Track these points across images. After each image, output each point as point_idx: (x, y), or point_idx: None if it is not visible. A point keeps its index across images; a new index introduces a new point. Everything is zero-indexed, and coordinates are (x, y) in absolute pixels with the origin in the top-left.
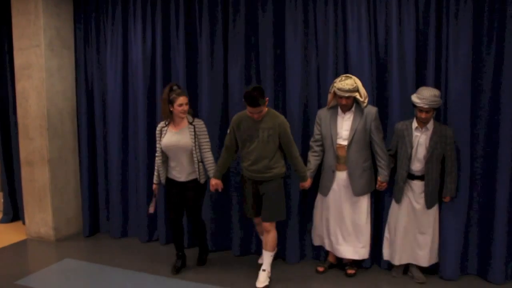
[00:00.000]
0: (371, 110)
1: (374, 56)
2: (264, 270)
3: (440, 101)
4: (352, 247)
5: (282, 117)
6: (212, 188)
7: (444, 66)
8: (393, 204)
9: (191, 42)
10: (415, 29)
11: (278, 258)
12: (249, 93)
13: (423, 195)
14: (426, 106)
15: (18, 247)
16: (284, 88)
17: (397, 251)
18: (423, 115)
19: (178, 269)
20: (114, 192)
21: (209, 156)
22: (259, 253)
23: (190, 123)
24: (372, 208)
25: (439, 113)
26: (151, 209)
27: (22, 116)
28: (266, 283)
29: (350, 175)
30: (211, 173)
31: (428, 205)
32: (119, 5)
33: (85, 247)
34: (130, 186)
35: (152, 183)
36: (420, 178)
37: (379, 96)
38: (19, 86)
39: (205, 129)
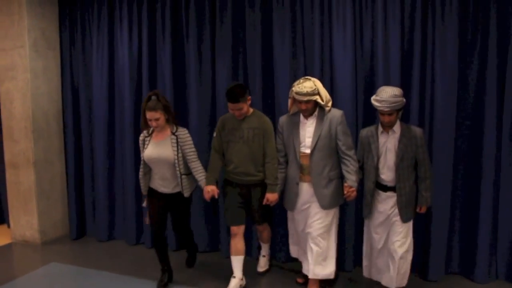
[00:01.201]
0: (336, 114)
1: (360, 59)
2: (264, 256)
3: (402, 101)
4: (318, 266)
5: (267, 118)
6: (207, 196)
7: (430, 68)
8: (365, 221)
9: (177, 44)
10: (400, 30)
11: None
12: (230, 89)
13: (396, 207)
14: (387, 109)
15: (3, 251)
16: (273, 90)
17: (373, 268)
18: (386, 119)
19: (165, 285)
20: (100, 195)
21: (197, 166)
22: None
23: (173, 133)
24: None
25: (422, 115)
26: (147, 221)
27: (6, 118)
28: (267, 267)
29: (314, 186)
30: (202, 182)
31: (404, 219)
32: (105, 6)
33: (71, 251)
34: (116, 189)
35: (139, 188)
36: (393, 189)
37: (366, 101)
38: (3, 87)
39: (189, 138)
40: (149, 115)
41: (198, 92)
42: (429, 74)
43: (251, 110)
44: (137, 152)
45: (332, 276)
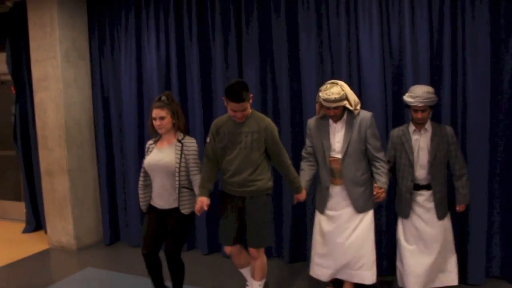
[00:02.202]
0: (365, 116)
1: (388, 61)
2: None
3: (435, 98)
4: (356, 270)
5: (268, 119)
6: (197, 207)
7: (461, 65)
8: (399, 221)
9: (204, 48)
10: (429, 31)
11: None
12: (231, 86)
13: (432, 205)
14: (421, 105)
15: (41, 257)
16: (300, 93)
17: (410, 276)
18: (419, 115)
19: None
20: (132, 201)
21: (197, 179)
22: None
23: (179, 141)
24: (384, 224)
25: (455, 115)
26: None
27: (41, 127)
28: None
29: (348, 191)
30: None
31: (440, 216)
32: (132, 13)
33: (106, 256)
34: None
35: None
36: (426, 187)
37: (394, 101)
38: (37, 97)
39: (195, 148)
40: (155, 112)
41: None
42: (460, 72)
43: (249, 111)
44: None
45: (372, 282)
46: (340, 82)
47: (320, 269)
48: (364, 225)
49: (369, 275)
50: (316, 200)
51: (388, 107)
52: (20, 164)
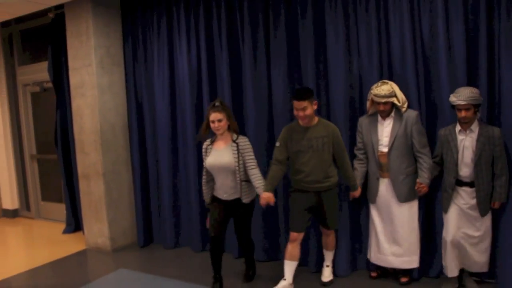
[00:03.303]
0: (411, 114)
1: (421, 59)
2: (328, 266)
3: (479, 98)
4: (399, 255)
5: (333, 125)
6: (263, 202)
7: (497, 65)
8: (444, 214)
9: (234, 53)
10: (464, 27)
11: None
12: (297, 89)
13: (474, 201)
14: (463, 102)
15: (78, 257)
16: (327, 95)
17: (448, 262)
18: (462, 114)
19: (250, 277)
20: (166, 203)
21: (256, 173)
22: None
23: (234, 141)
24: (421, 215)
25: (492, 115)
26: (208, 224)
27: (78, 132)
28: (331, 277)
29: (392, 182)
30: (260, 189)
31: (482, 212)
32: (164, 19)
33: (139, 257)
34: (181, 197)
35: (202, 196)
36: (469, 184)
37: (427, 100)
38: (74, 104)
39: (249, 146)
40: (213, 116)
41: (255, 98)
42: (497, 72)
43: (316, 119)
44: (199, 161)
45: (414, 265)
46: (390, 82)
47: (376, 254)
48: (407, 214)
49: (411, 261)
50: (367, 192)
51: (421, 107)
52: (60, 168)
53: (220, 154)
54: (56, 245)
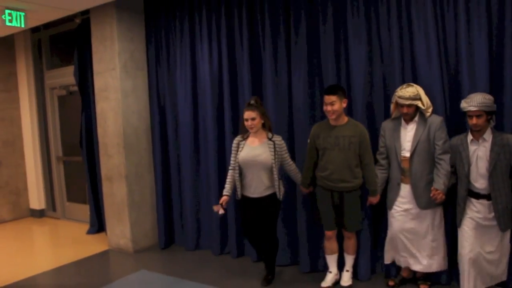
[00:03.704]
0: (435, 120)
1: (444, 63)
2: (347, 271)
3: (492, 105)
4: (424, 259)
5: (362, 125)
6: (306, 191)
7: None
8: (458, 229)
9: (255, 56)
10: (487, 30)
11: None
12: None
13: (492, 215)
14: (474, 108)
15: (101, 257)
16: (349, 100)
17: (465, 281)
18: (473, 121)
19: (269, 281)
20: (187, 206)
21: (294, 168)
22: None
23: (269, 139)
24: (449, 222)
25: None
26: (217, 209)
27: (101, 135)
28: (350, 282)
29: (413, 188)
30: (298, 182)
31: (502, 227)
32: (186, 25)
33: (160, 259)
34: (202, 200)
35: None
36: (487, 197)
37: (452, 106)
38: (98, 107)
39: (284, 144)
40: (246, 114)
41: (275, 102)
42: None
43: (346, 118)
44: (220, 164)
45: (439, 268)
46: (416, 85)
47: (394, 256)
48: (428, 221)
49: (431, 263)
50: (387, 197)
51: (446, 112)
52: (85, 170)
53: (255, 150)
54: (80, 245)
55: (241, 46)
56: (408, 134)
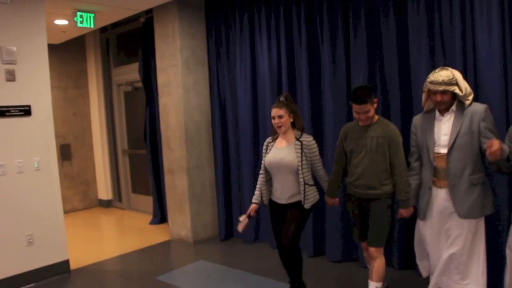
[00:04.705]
0: (478, 108)
1: (510, 58)
2: None
3: None
4: (457, 283)
5: (393, 126)
6: (330, 202)
7: None
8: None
9: (313, 52)
10: None
11: None
12: (355, 89)
13: None
14: None
15: (162, 247)
16: (410, 97)
17: None
18: None
19: None
20: (247, 199)
21: (323, 174)
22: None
23: (297, 139)
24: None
25: None
26: (240, 228)
27: (164, 129)
28: None
29: (451, 191)
30: (326, 187)
31: None
32: (246, 20)
33: (219, 250)
34: None
35: None
36: None
37: None
38: (161, 102)
39: (315, 145)
40: (274, 111)
41: (333, 98)
42: None
43: (376, 117)
44: None
45: None
46: (451, 69)
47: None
48: (471, 234)
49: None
50: (418, 203)
51: (510, 110)
52: (148, 162)
53: (281, 152)
54: (144, 234)
55: (299, 40)
56: (443, 127)
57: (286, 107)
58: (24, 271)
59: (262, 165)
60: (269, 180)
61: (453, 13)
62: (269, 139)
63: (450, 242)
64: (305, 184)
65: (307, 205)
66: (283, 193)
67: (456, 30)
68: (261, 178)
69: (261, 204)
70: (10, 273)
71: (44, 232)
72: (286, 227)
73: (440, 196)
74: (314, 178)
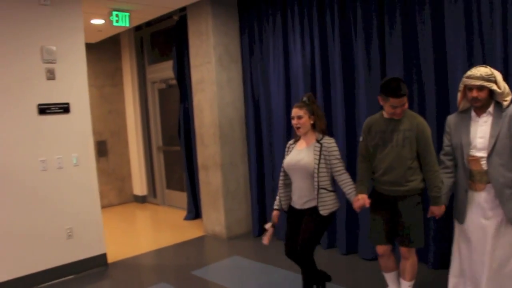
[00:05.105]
0: None
1: None
2: None
3: None
4: None
5: (421, 118)
6: (357, 205)
7: None
8: None
9: (347, 49)
10: None
11: None
12: (388, 82)
13: None
14: None
15: (197, 242)
16: (447, 94)
17: None
18: None
19: None
20: None
21: (345, 178)
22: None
23: (318, 141)
24: None
25: None
26: (265, 240)
27: (198, 125)
28: None
29: (498, 196)
30: (351, 195)
31: None
32: (279, 16)
33: (253, 246)
34: None
35: None
36: None
37: None
38: (195, 99)
39: (335, 148)
40: (293, 111)
41: (367, 95)
42: None
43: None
44: None
45: None
46: (491, 68)
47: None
48: (510, 241)
49: None
50: (454, 207)
51: None
52: (183, 159)
53: (299, 154)
54: (178, 230)
55: (333, 37)
56: (480, 129)
57: (307, 108)
58: (63, 263)
59: (282, 168)
60: (288, 184)
61: (493, 6)
62: (291, 141)
63: (492, 250)
64: (319, 188)
65: (322, 212)
66: (300, 197)
67: (496, 28)
68: (280, 181)
69: (281, 210)
70: (50, 265)
71: (83, 226)
72: (301, 235)
73: (476, 200)
74: (336, 184)
